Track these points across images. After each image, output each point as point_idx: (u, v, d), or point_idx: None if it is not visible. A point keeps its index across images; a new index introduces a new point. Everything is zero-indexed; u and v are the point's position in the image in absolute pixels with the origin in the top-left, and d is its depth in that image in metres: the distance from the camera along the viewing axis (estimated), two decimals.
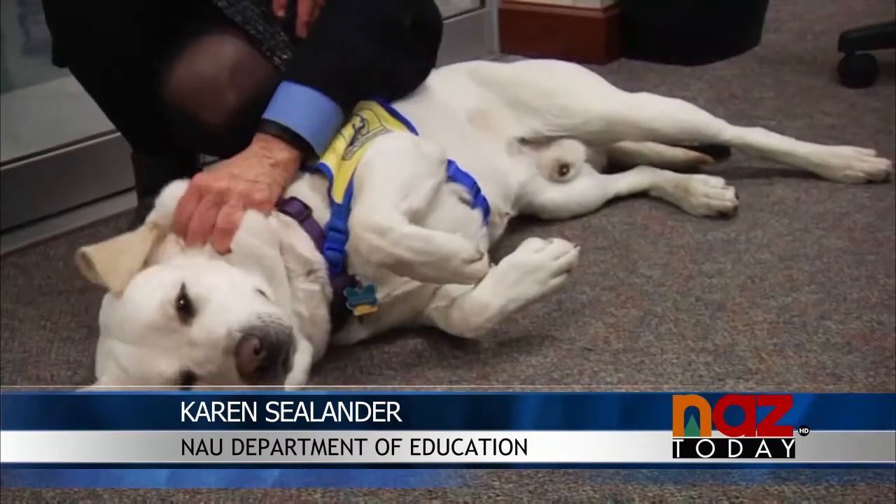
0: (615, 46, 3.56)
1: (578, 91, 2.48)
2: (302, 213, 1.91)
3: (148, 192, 2.27)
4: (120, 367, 1.74)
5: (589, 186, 2.48)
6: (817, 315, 1.98)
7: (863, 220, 2.32)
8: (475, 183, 2.10)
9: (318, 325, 1.89)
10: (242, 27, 2.08)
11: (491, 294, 1.89)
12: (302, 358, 1.81)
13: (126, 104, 2.19)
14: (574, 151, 2.42)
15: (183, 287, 1.70)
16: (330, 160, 1.95)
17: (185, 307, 1.69)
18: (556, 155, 2.41)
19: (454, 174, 2.07)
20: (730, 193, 2.40)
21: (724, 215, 2.39)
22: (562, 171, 2.41)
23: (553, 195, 2.43)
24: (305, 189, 1.95)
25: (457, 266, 1.84)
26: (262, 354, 1.63)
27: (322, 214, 1.92)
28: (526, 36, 3.65)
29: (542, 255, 1.91)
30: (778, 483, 1.55)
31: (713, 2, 3.42)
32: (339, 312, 1.92)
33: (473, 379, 1.87)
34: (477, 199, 2.10)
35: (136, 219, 2.26)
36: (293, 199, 1.92)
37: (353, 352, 1.98)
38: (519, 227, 2.39)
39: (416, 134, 2.10)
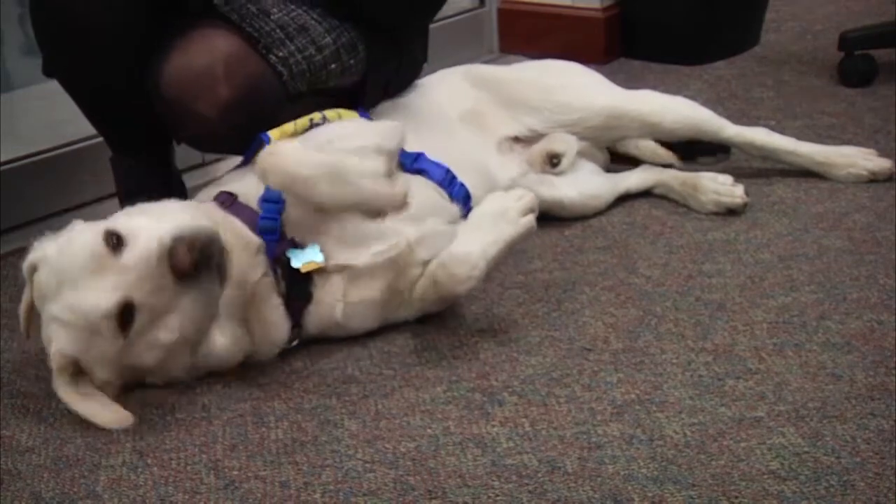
0: (615, 46, 3.56)
1: (578, 87, 2.49)
2: (227, 202, 1.95)
3: (129, 194, 2.29)
4: (62, 323, 1.78)
5: (600, 183, 2.49)
6: (817, 315, 1.98)
7: (862, 220, 2.33)
8: (448, 171, 2.11)
9: (264, 302, 1.90)
10: (238, 24, 2.09)
11: (468, 243, 1.93)
12: (226, 342, 1.86)
13: (110, 103, 2.20)
14: (563, 142, 2.41)
15: (109, 230, 1.76)
16: (273, 135, 2.00)
17: (116, 242, 1.75)
18: (544, 147, 2.40)
19: (424, 166, 2.08)
20: (739, 190, 2.41)
21: (732, 212, 2.39)
22: (552, 161, 2.39)
23: (567, 191, 2.42)
24: (234, 179, 2.03)
25: (357, 182, 1.90)
26: (195, 253, 1.71)
27: (248, 190, 1.96)
28: (525, 35, 3.65)
29: (504, 199, 1.98)
30: (778, 483, 1.55)
31: (713, 1, 3.42)
32: (297, 296, 1.93)
33: (473, 378, 1.87)
34: (452, 186, 2.11)
35: None
36: (221, 192, 1.98)
37: (353, 351, 1.98)
38: None
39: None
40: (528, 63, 2.69)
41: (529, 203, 1.98)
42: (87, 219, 2.61)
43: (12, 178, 2.60)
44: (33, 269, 1.85)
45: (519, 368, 1.89)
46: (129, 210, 1.92)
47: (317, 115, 2.05)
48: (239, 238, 1.89)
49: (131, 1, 2.07)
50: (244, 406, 1.85)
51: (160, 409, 1.86)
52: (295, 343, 1.96)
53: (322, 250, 1.93)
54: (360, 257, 1.95)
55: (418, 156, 2.10)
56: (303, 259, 1.92)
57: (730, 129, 2.52)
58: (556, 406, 1.77)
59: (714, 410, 1.72)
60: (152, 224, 1.78)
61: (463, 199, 2.11)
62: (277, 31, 2.10)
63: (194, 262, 1.73)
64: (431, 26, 2.48)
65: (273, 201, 1.92)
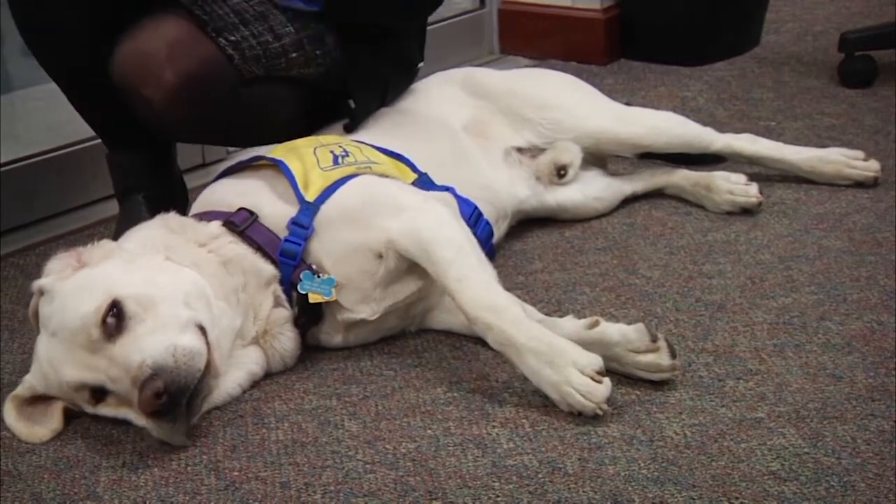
0: (615, 47, 3.56)
1: (571, 105, 2.46)
2: (246, 221, 1.92)
3: (127, 192, 2.29)
4: (43, 366, 1.80)
5: (604, 185, 2.48)
6: (817, 316, 1.98)
7: (862, 221, 2.33)
8: (475, 208, 2.10)
9: (277, 336, 1.90)
10: (188, 8, 2.11)
11: (520, 344, 1.76)
12: (237, 375, 1.86)
13: (93, 95, 2.21)
14: (569, 152, 2.41)
15: (115, 302, 1.72)
16: (291, 163, 1.97)
17: (118, 320, 1.71)
18: (551, 158, 2.40)
19: (476, 221, 2.08)
20: (753, 189, 2.41)
21: (747, 211, 2.40)
22: (560, 173, 2.40)
23: (571, 195, 2.42)
24: (252, 187, 1.99)
25: (568, 372, 1.71)
26: (163, 399, 1.65)
27: (276, 211, 1.93)
28: (525, 36, 3.65)
29: (576, 356, 1.73)
30: (778, 484, 1.55)
31: (713, 3, 3.42)
32: (307, 319, 1.93)
33: (473, 379, 1.87)
34: (478, 224, 2.09)
35: (120, 221, 2.27)
36: (241, 209, 1.94)
37: (353, 353, 1.98)
38: (521, 228, 2.40)
39: (412, 166, 2.09)
40: (523, 71, 2.68)
41: (589, 399, 1.72)
42: (87, 217, 2.63)
43: (13, 179, 2.60)
44: (41, 293, 1.84)
45: (519, 369, 1.88)
46: (140, 252, 1.87)
47: (337, 148, 2.03)
48: (252, 270, 1.89)
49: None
50: (244, 407, 1.85)
51: None
52: None
53: (336, 286, 1.90)
54: (374, 314, 1.94)
55: (447, 189, 2.08)
56: (311, 287, 1.90)
57: (718, 142, 2.51)
58: (556, 407, 1.77)
59: (714, 411, 1.72)
60: (156, 315, 1.73)
61: (486, 239, 2.10)
62: (231, 15, 2.12)
63: (157, 410, 1.66)
64: (431, 27, 2.48)
65: (303, 226, 1.90)
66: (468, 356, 1.94)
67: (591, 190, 2.45)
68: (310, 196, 1.92)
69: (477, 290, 1.81)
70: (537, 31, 3.62)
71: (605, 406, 1.70)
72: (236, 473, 1.68)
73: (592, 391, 1.70)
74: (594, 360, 1.72)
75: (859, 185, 2.47)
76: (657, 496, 1.55)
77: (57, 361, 1.76)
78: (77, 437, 1.80)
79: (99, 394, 1.75)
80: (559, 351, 1.73)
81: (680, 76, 3.34)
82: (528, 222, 2.42)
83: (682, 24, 3.45)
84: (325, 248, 1.90)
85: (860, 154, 2.51)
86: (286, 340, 1.92)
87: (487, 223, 2.12)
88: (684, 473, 1.59)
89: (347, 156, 2.01)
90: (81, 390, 1.75)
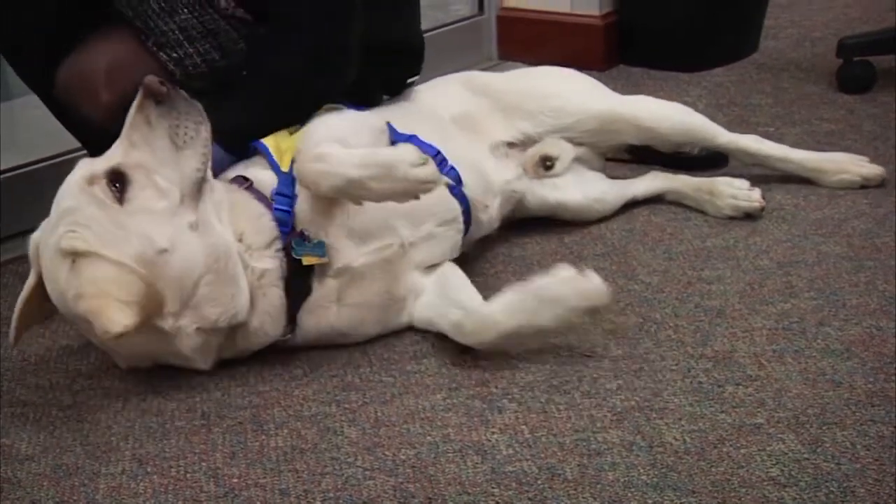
0: (613, 53, 3.56)
1: (573, 92, 2.50)
2: (244, 184, 1.98)
3: None
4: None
5: (605, 187, 2.49)
6: (816, 321, 1.98)
7: (861, 227, 2.33)
8: (438, 152, 2.12)
9: (266, 293, 1.92)
10: (132, 21, 2.13)
11: (506, 315, 1.88)
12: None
13: (54, 104, 2.25)
14: (556, 146, 2.41)
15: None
16: (267, 140, 2.04)
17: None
18: (538, 150, 2.41)
19: (416, 145, 2.08)
20: (756, 194, 2.42)
21: (749, 216, 2.40)
22: (546, 164, 2.39)
23: (572, 194, 2.43)
24: (241, 169, 2.04)
25: (405, 171, 1.86)
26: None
27: (264, 179, 1.98)
28: (524, 42, 3.65)
29: (565, 289, 1.86)
30: (778, 489, 1.55)
31: (712, 9, 3.42)
32: (296, 290, 1.94)
33: (472, 385, 1.87)
34: (442, 167, 2.10)
35: None
36: (237, 176, 2.00)
37: (352, 358, 1.98)
38: (520, 234, 2.40)
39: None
40: (525, 70, 2.69)
41: (587, 304, 1.86)
42: None
43: (12, 187, 2.61)
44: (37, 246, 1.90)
45: (518, 375, 1.88)
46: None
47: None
48: (256, 224, 1.93)
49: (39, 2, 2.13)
50: (244, 414, 1.85)
51: (160, 416, 1.86)
52: (287, 337, 1.97)
53: (327, 247, 1.94)
54: (359, 258, 1.97)
55: (410, 137, 2.11)
56: (305, 251, 1.93)
57: (724, 137, 2.53)
58: (555, 413, 1.77)
59: (714, 417, 1.72)
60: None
61: (455, 182, 2.13)
62: (175, 31, 2.14)
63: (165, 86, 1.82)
64: (430, 34, 2.48)
65: (286, 195, 1.95)
66: (467, 362, 1.94)
67: (592, 191, 2.46)
68: (284, 166, 1.98)
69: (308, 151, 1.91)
70: (536, 37, 3.62)
71: (438, 176, 1.90)
72: (235, 480, 1.67)
73: (426, 174, 1.87)
74: (411, 151, 1.90)
75: (863, 186, 2.48)
76: (657, 502, 1.55)
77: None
78: (76, 445, 1.80)
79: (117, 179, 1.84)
80: (390, 163, 1.87)
81: (679, 82, 3.35)
82: (528, 228, 2.42)
83: (680, 30, 3.45)
84: (302, 206, 1.95)
85: (865, 159, 2.53)
86: (274, 297, 1.92)
87: (453, 168, 2.14)
88: (684, 479, 1.59)
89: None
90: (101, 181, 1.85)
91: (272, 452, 1.73)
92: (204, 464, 1.72)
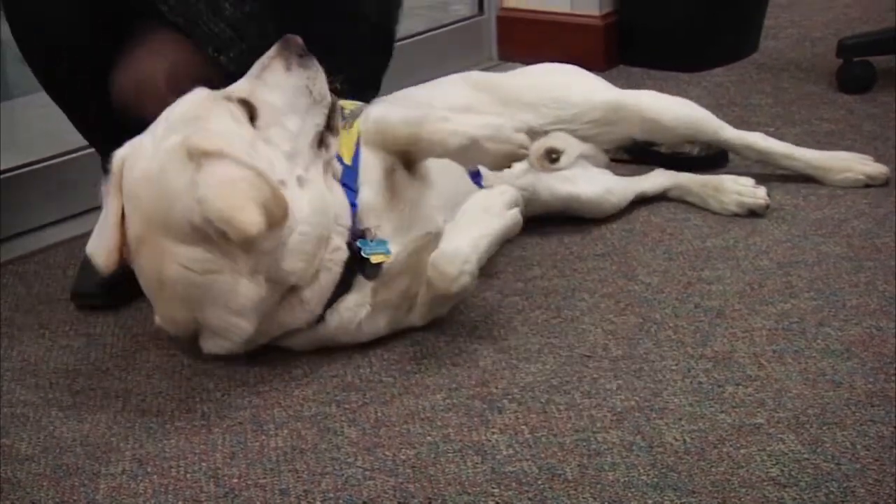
0: (613, 53, 3.56)
1: (576, 84, 2.52)
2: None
3: None
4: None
5: (614, 182, 2.49)
6: (816, 321, 1.98)
7: (861, 227, 2.33)
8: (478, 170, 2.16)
9: (329, 268, 1.90)
10: (185, 29, 2.12)
11: (456, 240, 1.92)
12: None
13: (83, 104, 2.23)
14: (561, 139, 2.41)
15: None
16: None
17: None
18: (543, 144, 2.40)
19: None
20: (762, 192, 2.42)
21: (753, 214, 2.40)
22: (551, 157, 2.40)
23: (585, 187, 2.43)
24: None
25: (509, 135, 1.94)
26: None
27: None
28: (524, 43, 3.65)
29: (487, 195, 2.02)
30: (778, 489, 1.55)
31: (712, 9, 3.42)
32: (342, 282, 1.93)
33: (472, 385, 1.87)
34: (476, 180, 2.17)
35: None
36: None
37: (352, 360, 1.98)
38: (520, 235, 2.40)
39: None
40: (529, 67, 2.70)
41: (512, 197, 2.02)
42: (86, 225, 2.63)
43: (12, 187, 2.61)
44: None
45: (518, 376, 1.88)
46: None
47: (347, 107, 2.08)
48: (342, 203, 1.93)
49: (74, 5, 2.10)
50: (244, 414, 1.85)
51: (160, 417, 1.86)
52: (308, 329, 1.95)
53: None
54: (397, 255, 1.97)
55: None
56: (372, 250, 1.93)
57: (728, 131, 2.54)
58: (555, 413, 1.77)
59: (714, 417, 1.72)
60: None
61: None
62: (227, 30, 2.14)
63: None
64: (430, 34, 2.48)
65: (351, 188, 1.96)
66: (468, 363, 1.94)
67: (603, 185, 2.47)
68: (347, 158, 1.99)
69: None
70: (536, 37, 3.62)
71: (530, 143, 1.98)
72: (235, 480, 1.67)
73: (523, 138, 1.95)
74: (493, 120, 1.98)
75: (867, 185, 2.48)
76: (657, 502, 1.55)
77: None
78: (76, 445, 1.80)
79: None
80: (499, 125, 1.95)
81: (679, 82, 3.35)
82: (528, 228, 2.40)
83: (680, 30, 3.45)
84: (366, 199, 1.97)
85: (870, 158, 2.54)
86: (330, 279, 1.90)
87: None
88: (684, 479, 1.59)
89: (343, 109, 2.07)
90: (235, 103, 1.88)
91: (272, 452, 1.73)
92: (204, 464, 1.72)
